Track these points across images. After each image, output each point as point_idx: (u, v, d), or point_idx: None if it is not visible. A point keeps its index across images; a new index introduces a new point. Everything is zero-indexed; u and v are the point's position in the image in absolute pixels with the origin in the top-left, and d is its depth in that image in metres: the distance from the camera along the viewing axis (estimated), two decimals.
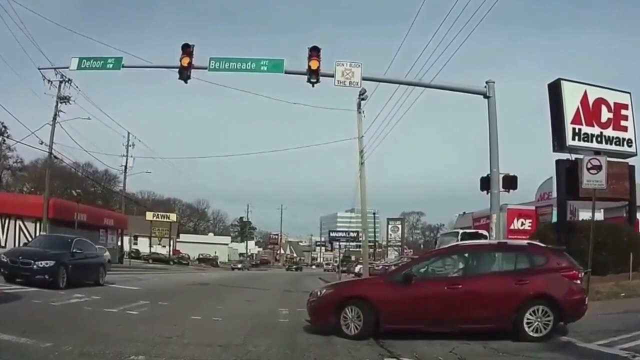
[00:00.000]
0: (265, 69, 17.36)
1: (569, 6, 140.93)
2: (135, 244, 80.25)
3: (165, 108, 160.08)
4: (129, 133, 54.93)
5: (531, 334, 8.49)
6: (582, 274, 9.21)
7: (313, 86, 17.03)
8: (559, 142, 17.66)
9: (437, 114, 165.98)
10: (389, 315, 8.80)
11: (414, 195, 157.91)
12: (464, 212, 53.13)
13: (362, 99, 28.51)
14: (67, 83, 40.31)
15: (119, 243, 54.58)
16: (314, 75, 16.85)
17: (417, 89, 18.99)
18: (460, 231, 21.51)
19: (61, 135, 56.53)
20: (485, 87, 18.58)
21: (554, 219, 21.07)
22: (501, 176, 18.05)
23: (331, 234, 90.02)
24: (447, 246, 12.22)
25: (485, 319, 8.56)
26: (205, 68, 17.63)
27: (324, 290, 9.86)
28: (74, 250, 16.42)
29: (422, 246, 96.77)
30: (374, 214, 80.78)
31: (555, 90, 18.19)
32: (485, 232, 21.05)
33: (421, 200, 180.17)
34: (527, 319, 8.50)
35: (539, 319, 8.51)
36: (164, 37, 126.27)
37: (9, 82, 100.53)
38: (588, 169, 15.26)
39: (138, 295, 15.53)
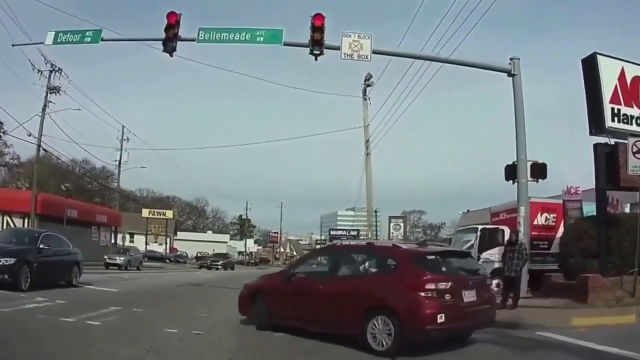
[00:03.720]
0: (262, 39, 15.18)
1: None
2: (132, 241, 78.49)
3: (160, 103, 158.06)
4: (123, 127, 52.94)
5: (374, 346, 7.55)
6: (438, 284, 7.49)
7: (316, 59, 14.85)
8: (596, 124, 15.43)
9: (438, 112, 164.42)
10: (275, 310, 9.20)
11: (415, 194, 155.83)
12: (468, 210, 51.10)
13: (368, 85, 26.42)
14: (57, 73, 38.90)
15: (112, 240, 52.50)
16: (317, 46, 14.66)
17: (421, 84, 17.02)
18: (480, 227, 19.26)
19: (54, 129, 54.61)
20: (510, 64, 16.52)
21: (584, 215, 18.87)
22: (529, 164, 15.97)
23: (331, 232, 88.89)
24: (325, 245, 11.66)
25: (339, 324, 8.13)
26: (194, 40, 15.51)
27: (246, 283, 10.48)
28: (41, 247, 14.24)
29: None
30: (375, 212, 78.61)
31: (590, 66, 15.97)
32: (505, 228, 18.94)
33: (422, 198, 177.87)
34: (372, 329, 7.60)
35: (380, 331, 7.54)
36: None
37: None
38: (634, 153, 13.23)
39: (112, 299, 13.38)
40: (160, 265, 54.37)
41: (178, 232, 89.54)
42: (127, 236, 77.23)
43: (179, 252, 74.51)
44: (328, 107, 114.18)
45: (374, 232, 27.56)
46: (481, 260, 18.36)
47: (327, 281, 8.68)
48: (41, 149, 38.75)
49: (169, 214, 71.03)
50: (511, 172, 16.17)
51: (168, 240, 74.21)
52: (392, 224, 74.64)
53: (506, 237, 18.85)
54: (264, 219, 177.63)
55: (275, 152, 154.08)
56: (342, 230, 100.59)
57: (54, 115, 38.19)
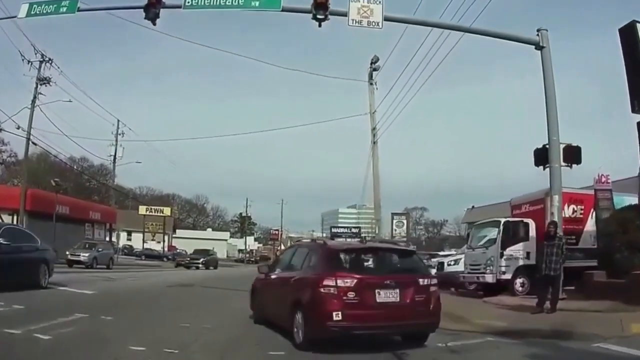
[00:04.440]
0: (258, 4, 13.34)
1: None
2: (129, 239, 76.70)
3: (160, 102, 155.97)
4: (118, 121, 51.04)
5: (296, 339, 7.55)
6: (338, 281, 7.20)
7: (320, 25, 13.02)
8: (639, 100, 13.46)
9: (440, 109, 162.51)
10: (263, 305, 9.61)
11: (417, 191, 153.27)
12: (473, 206, 50.49)
13: (374, 70, 24.44)
14: (47, 63, 37.33)
15: (107, 238, 50.56)
16: (321, 10, 12.80)
17: (426, 74, 15.11)
18: (503, 220, 17.25)
19: (46, 123, 52.87)
20: (538, 35, 14.67)
21: (616, 206, 16.92)
22: (562, 147, 14.08)
23: (333, 230, 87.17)
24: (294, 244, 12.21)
25: (283, 318, 8.21)
26: (180, 6, 13.67)
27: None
28: (0, 242, 12.20)
29: (424, 242, 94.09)
30: None
31: (629, 35, 13.90)
32: (530, 221, 17.03)
33: (424, 195, 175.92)
34: (295, 323, 7.63)
35: (298, 325, 7.55)
36: None
37: None
38: None
39: (83, 303, 11.43)
40: (158, 263, 52.47)
41: (177, 230, 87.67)
42: (123, 234, 75.54)
43: (177, 250, 72.57)
44: (330, 100, 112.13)
45: (381, 229, 25.47)
46: (504, 257, 16.50)
47: (280, 277, 9.10)
48: (31, 142, 37.28)
49: (167, 211, 68.95)
50: (541, 157, 14.28)
51: (166, 238, 72.27)
52: (395, 221, 72.92)
53: (531, 232, 17.01)
54: (265, 216, 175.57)
55: (276, 148, 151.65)
56: (344, 227, 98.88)
57: (47, 109, 36.81)
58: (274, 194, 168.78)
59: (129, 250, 67.96)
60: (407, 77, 20.18)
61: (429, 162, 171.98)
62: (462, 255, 21.06)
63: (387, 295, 7.25)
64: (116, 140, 51.74)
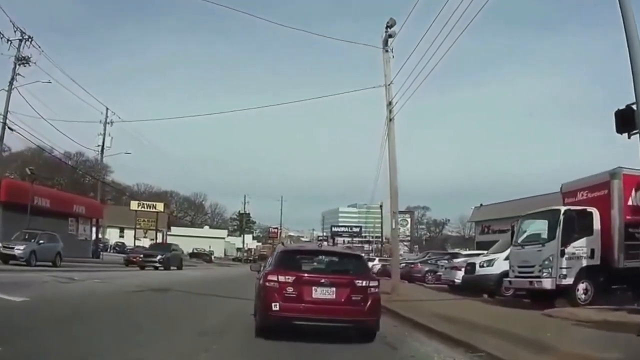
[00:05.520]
0: None
1: None
2: (122, 236, 73.46)
3: (161, 99, 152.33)
4: (107, 109, 47.38)
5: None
6: (279, 277, 7.99)
7: None
8: None
9: (442, 108, 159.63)
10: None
11: (419, 191, 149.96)
12: (481, 204, 48.98)
13: (390, 36, 20.79)
14: (27, 42, 34.57)
15: (94, 235, 47.02)
16: None
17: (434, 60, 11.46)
18: (563, 209, 13.63)
19: (32, 112, 49.56)
20: None
21: None
22: None
23: (333, 229, 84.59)
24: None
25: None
26: None
27: None
28: None
29: (425, 242, 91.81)
30: (380, 207, 74.10)
31: None
32: (594, 210, 13.47)
33: (426, 195, 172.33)
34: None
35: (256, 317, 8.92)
36: None
37: None
38: None
39: None
40: None
41: (173, 228, 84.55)
42: (114, 230, 72.33)
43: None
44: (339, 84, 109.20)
45: (397, 224, 21.84)
46: (566, 255, 12.92)
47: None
48: (7, 127, 34.23)
49: (160, 206, 65.29)
50: (626, 120, 10.66)
51: (160, 235, 68.79)
52: (398, 219, 69.71)
53: (595, 224, 13.42)
54: (264, 215, 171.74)
55: (277, 139, 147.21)
56: (344, 226, 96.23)
57: (33, 98, 33.78)
58: (273, 192, 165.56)
59: (120, 248, 64.63)
60: (426, 47, 16.71)
61: (432, 161, 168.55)
62: (498, 255, 17.48)
63: (323, 293, 7.91)
64: (104, 130, 48.19)
